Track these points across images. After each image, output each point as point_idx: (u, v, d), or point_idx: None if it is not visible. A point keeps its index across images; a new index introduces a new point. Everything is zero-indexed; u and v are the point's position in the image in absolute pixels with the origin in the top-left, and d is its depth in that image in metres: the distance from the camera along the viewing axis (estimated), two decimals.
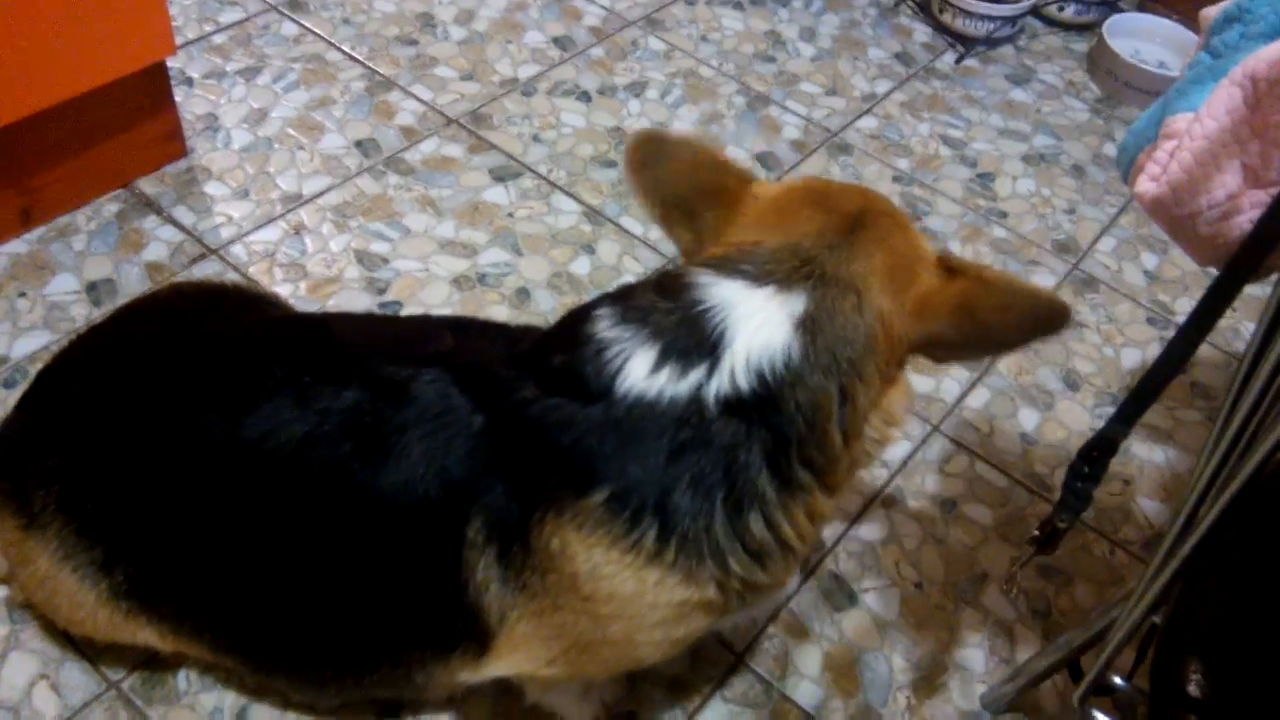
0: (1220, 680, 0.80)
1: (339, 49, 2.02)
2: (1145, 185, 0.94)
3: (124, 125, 1.65)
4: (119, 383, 1.02)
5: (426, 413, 0.90)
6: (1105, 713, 0.96)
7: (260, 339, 1.04)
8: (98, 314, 1.52)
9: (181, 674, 1.20)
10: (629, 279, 1.63)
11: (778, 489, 0.87)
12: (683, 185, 0.94)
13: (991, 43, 2.28)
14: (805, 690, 1.26)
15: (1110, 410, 1.59)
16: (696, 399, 0.84)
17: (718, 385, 0.84)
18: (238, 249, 1.64)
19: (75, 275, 1.57)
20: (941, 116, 2.09)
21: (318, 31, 2.04)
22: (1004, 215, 1.90)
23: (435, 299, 1.62)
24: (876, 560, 1.39)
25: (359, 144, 1.84)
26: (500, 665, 0.96)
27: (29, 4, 1.37)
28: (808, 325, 0.85)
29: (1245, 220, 0.89)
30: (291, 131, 1.84)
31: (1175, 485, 1.53)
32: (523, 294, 1.64)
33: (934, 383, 1.61)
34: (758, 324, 0.85)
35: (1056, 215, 1.92)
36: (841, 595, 1.35)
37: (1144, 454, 1.57)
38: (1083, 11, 2.34)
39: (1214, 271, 0.90)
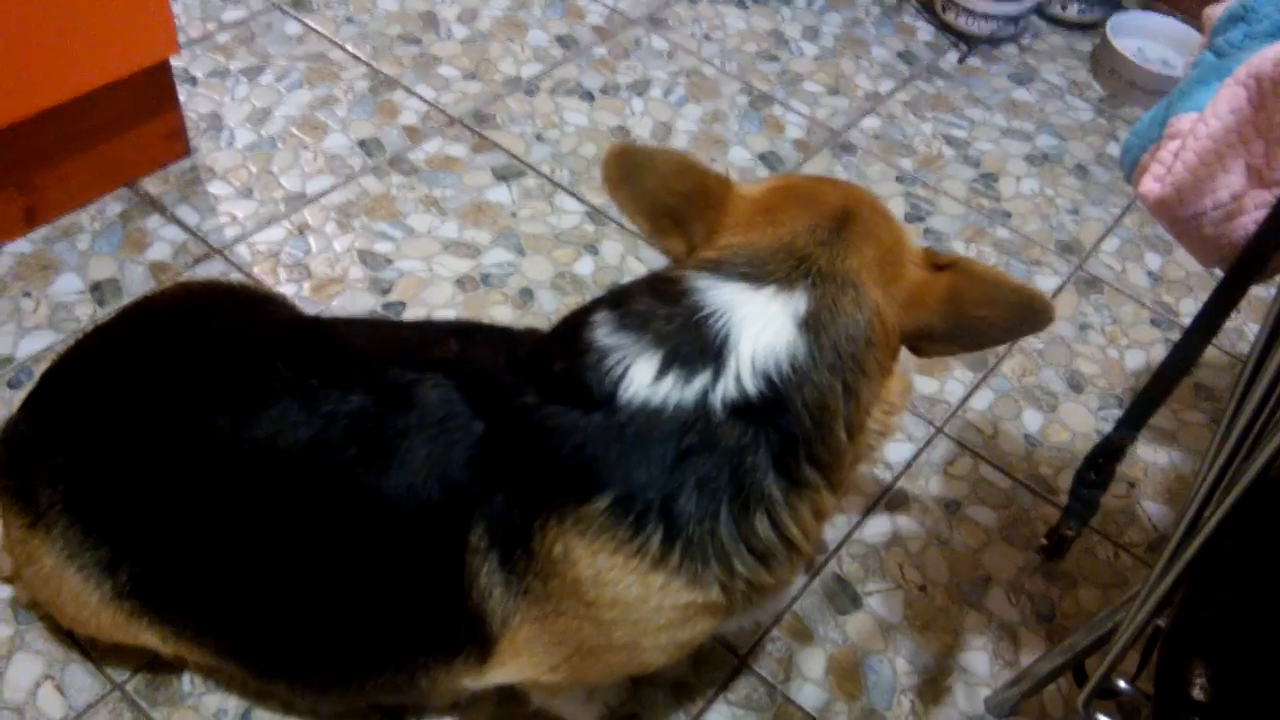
0: (1224, 683, 0.80)
1: (342, 48, 2.02)
2: (1149, 185, 0.94)
3: (128, 124, 1.65)
4: (126, 382, 1.02)
5: (429, 418, 0.90)
6: (1109, 716, 0.96)
7: (267, 340, 1.04)
8: (102, 314, 1.53)
9: (186, 676, 1.20)
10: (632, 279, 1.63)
11: (785, 489, 0.87)
12: (667, 194, 0.94)
13: (995, 42, 2.28)
14: (809, 693, 1.26)
15: (1114, 412, 1.60)
16: (702, 404, 0.84)
17: (724, 390, 0.84)
18: (241, 249, 1.64)
19: (79, 275, 1.57)
20: (944, 116, 2.08)
21: (321, 30, 2.04)
22: (1007, 215, 1.90)
23: (438, 299, 1.62)
24: (880, 563, 1.39)
25: (362, 143, 1.84)
26: (503, 671, 0.96)
27: (32, 4, 1.37)
28: (811, 323, 0.85)
29: (1250, 220, 0.89)
30: (295, 131, 1.84)
31: (1179, 488, 1.53)
32: (526, 294, 1.64)
33: (938, 385, 1.61)
34: (761, 326, 0.85)
35: (1060, 215, 1.91)
36: (845, 598, 1.35)
37: (1148, 456, 1.57)
38: (1086, 10, 2.34)
39: (1219, 272, 0.90)
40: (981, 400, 1.60)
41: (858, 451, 0.92)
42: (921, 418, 1.56)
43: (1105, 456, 0.93)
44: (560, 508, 0.86)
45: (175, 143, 1.74)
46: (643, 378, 0.85)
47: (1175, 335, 1.72)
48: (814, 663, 1.29)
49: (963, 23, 2.24)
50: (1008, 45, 2.30)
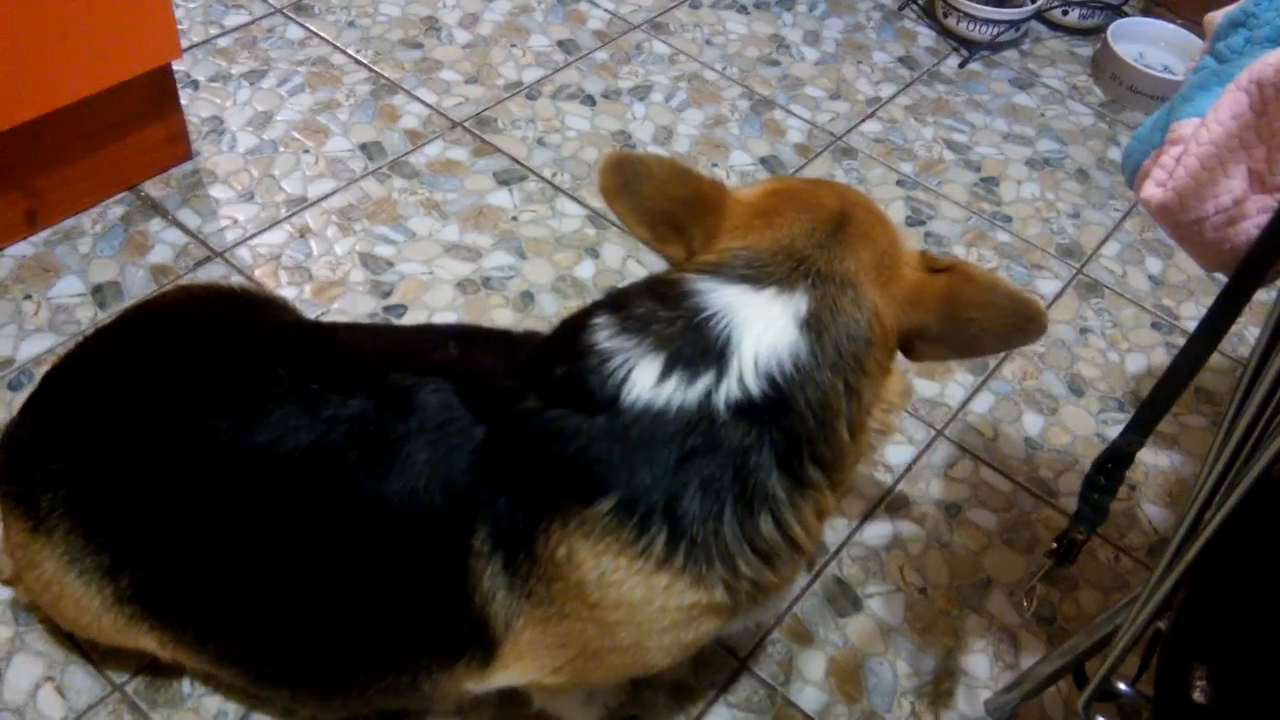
0: (1225, 686, 0.80)
1: (344, 52, 2.02)
2: (1151, 190, 0.94)
3: (129, 128, 1.65)
4: (127, 386, 1.02)
5: (430, 422, 0.90)
6: (1110, 719, 0.96)
7: (268, 345, 1.04)
8: (103, 316, 1.53)
9: (186, 678, 1.20)
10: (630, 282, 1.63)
11: (789, 489, 0.87)
12: (665, 200, 0.94)
13: (996, 47, 2.28)
14: (809, 696, 1.26)
15: (1115, 415, 1.60)
16: (706, 406, 0.84)
17: (727, 390, 0.84)
18: (243, 252, 1.65)
19: (81, 278, 1.58)
20: (945, 120, 2.09)
21: (323, 35, 2.05)
22: (1008, 220, 1.90)
23: (439, 302, 1.62)
24: (881, 565, 1.39)
25: (364, 147, 1.84)
26: (506, 674, 0.96)
27: (35, 8, 1.38)
28: (812, 324, 0.86)
29: (1251, 225, 0.89)
30: (296, 135, 1.84)
31: (1180, 490, 1.53)
32: (527, 297, 1.64)
33: (939, 388, 1.61)
34: (763, 326, 0.85)
35: (1061, 220, 1.92)
36: (846, 600, 1.35)
37: (1149, 459, 1.57)
38: (1087, 16, 2.34)
39: (1220, 277, 0.90)
40: (982, 403, 1.60)
41: (859, 451, 0.92)
42: (922, 420, 1.56)
43: (1114, 462, 0.93)
44: (564, 510, 0.86)
45: (177, 146, 1.74)
46: (646, 380, 0.85)
47: (1176, 339, 1.72)
48: (814, 665, 1.29)
49: (964, 28, 2.24)
50: (1009, 50, 2.30)
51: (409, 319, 1.59)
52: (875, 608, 1.35)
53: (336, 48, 2.02)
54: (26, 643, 1.21)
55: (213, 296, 1.23)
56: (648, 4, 2.25)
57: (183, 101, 1.74)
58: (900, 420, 1.24)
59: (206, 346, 1.04)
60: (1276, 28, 0.90)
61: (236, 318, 1.14)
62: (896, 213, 1.87)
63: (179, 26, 1.70)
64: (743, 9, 2.29)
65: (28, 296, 1.54)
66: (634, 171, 0.94)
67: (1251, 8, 0.92)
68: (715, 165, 1.91)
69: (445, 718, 1.19)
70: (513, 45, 2.10)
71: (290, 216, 1.71)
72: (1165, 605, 0.84)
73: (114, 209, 1.68)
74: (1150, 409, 0.90)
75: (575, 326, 0.91)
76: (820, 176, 1.91)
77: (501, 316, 1.61)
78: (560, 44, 2.12)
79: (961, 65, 2.23)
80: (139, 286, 1.58)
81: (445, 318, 1.60)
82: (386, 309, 1.60)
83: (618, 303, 0.90)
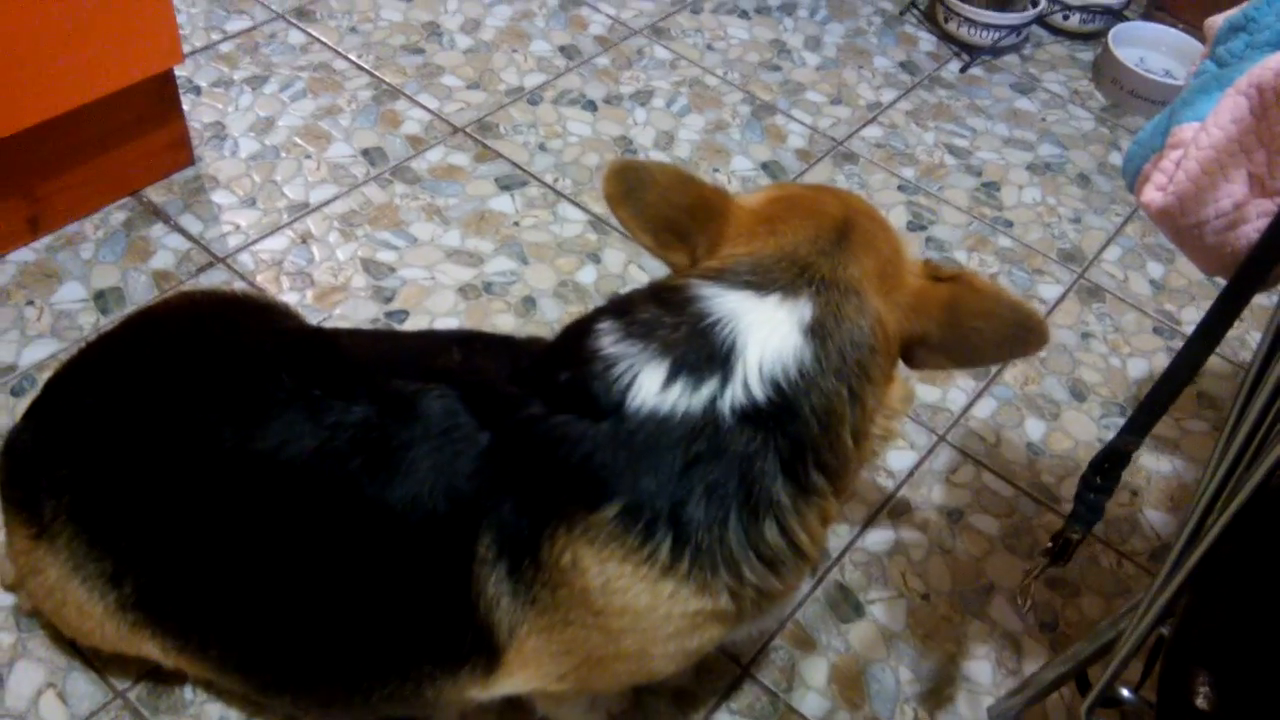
0: (1228, 692, 0.80)
1: (346, 58, 2.02)
2: (1151, 195, 0.94)
3: (132, 134, 1.66)
4: (129, 392, 1.02)
5: (433, 429, 0.90)
6: None
7: (271, 351, 1.04)
8: (105, 322, 1.53)
9: (188, 685, 1.20)
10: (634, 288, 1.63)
11: (793, 495, 0.87)
12: (668, 207, 0.94)
13: (997, 51, 2.28)
14: (811, 702, 1.26)
15: (1117, 420, 1.60)
16: (711, 411, 0.84)
17: (732, 396, 0.84)
18: (245, 257, 1.65)
19: (83, 283, 1.58)
20: (946, 125, 2.09)
21: (325, 40, 2.05)
22: (1009, 224, 1.90)
23: (441, 308, 1.62)
24: (883, 571, 1.39)
25: (365, 153, 1.84)
26: (511, 681, 0.96)
27: (37, 13, 1.38)
28: (817, 330, 0.86)
29: (1251, 229, 0.89)
30: (298, 140, 1.84)
31: (1182, 496, 1.53)
32: (529, 303, 1.64)
33: (940, 393, 1.61)
34: (768, 332, 0.85)
35: (1062, 224, 1.92)
36: (848, 606, 1.35)
37: (1151, 464, 1.57)
38: (1088, 20, 2.34)
39: (1221, 281, 0.90)
40: (984, 408, 1.60)
41: (862, 457, 0.92)
42: (924, 426, 1.56)
43: (1110, 462, 0.93)
44: (569, 516, 0.86)
45: (179, 152, 1.74)
46: (651, 386, 0.85)
47: (1178, 344, 1.72)
48: (817, 671, 1.29)
49: (965, 32, 2.24)
50: (1009, 55, 2.30)
51: (411, 324, 1.59)
52: (877, 613, 1.35)
53: (338, 53, 2.03)
54: (29, 649, 1.21)
55: (215, 302, 1.23)
56: (649, 9, 2.26)
57: (185, 107, 1.74)
58: (902, 425, 1.24)
59: (209, 352, 1.04)
60: (1277, 32, 0.90)
61: (239, 324, 1.14)
62: (898, 218, 1.87)
63: (181, 32, 1.71)
64: (744, 14, 2.29)
65: (30, 302, 1.55)
66: (637, 178, 0.94)
67: (1252, 12, 0.92)
68: (716, 170, 1.91)
69: None
70: (514, 50, 2.10)
71: (292, 222, 1.71)
72: (1168, 611, 0.84)
73: (116, 215, 1.68)
74: (1148, 409, 0.90)
75: (579, 332, 0.91)
76: (822, 182, 1.91)
77: (503, 322, 1.62)
78: (562, 49, 2.12)
79: (962, 70, 2.24)
80: (141, 292, 1.58)
81: (447, 323, 1.60)
82: (388, 314, 1.60)
83: (622, 308, 0.90)
